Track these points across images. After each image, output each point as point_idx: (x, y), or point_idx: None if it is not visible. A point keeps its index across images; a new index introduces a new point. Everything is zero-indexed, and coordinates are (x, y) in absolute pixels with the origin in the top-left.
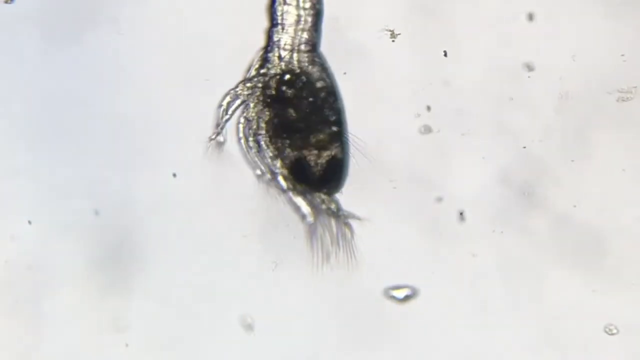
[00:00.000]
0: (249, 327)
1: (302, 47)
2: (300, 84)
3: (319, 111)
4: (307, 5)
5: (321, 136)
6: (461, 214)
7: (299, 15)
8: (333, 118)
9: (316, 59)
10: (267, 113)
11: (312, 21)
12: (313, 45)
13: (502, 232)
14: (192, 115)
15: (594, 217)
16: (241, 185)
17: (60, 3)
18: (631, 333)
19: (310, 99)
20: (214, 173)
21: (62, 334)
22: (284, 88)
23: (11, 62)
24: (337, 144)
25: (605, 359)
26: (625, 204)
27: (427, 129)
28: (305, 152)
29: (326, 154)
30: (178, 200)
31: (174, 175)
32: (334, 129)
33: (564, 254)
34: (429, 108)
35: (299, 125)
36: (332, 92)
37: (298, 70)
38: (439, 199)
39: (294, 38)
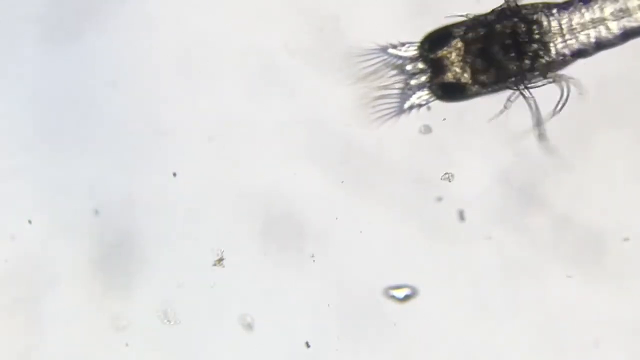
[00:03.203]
0: (248, 327)
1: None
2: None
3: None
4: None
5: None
6: (461, 213)
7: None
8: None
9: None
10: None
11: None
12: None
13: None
14: (192, 115)
15: (594, 217)
16: (241, 185)
17: (60, 3)
18: (631, 333)
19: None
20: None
21: (62, 334)
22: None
23: (11, 62)
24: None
25: (605, 359)
26: (626, 204)
27: (427, 129)
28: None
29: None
30: (178, 200)
31: (174, 175)
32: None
33: (564, 254)
34: (429, 108)
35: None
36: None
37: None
38: (439, 199)
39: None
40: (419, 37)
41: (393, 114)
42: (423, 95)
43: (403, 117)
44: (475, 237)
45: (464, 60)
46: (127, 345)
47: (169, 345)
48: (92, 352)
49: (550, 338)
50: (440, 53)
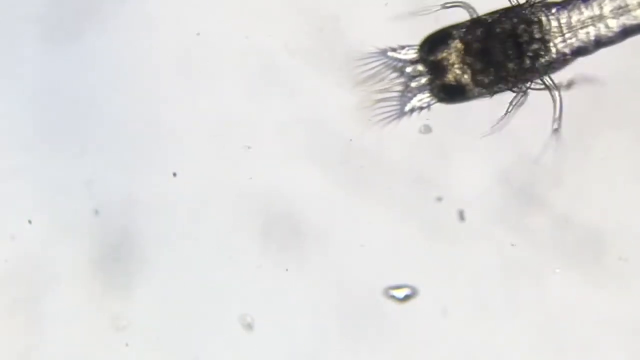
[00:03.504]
0: (248, 327)
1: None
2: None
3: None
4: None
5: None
6: (461, 213)
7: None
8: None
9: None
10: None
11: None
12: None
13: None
14: (192, 115)
15: (594, 217)
16: (241, 185)
17: (60, 3)
18: (631, 333)
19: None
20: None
21: (62, 334)
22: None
23: (11, 62)
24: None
25: (605, 359)
26: (626, 204)
27: (427, 129)
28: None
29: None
30: (178, 200)
31: (174, 175)
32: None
33: (564, 254)
34: (429, 109)
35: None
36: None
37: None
38: (439, 199)
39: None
40: (418, 39)
41: (394, 116)
42: (424, 97)
43: (404, 119)
44: (475, 237)
45: (464, 62)
46: (127, 345)
47: (169, 345)
48: (92, 352)
49: (550, 338)
50: (440, 55)
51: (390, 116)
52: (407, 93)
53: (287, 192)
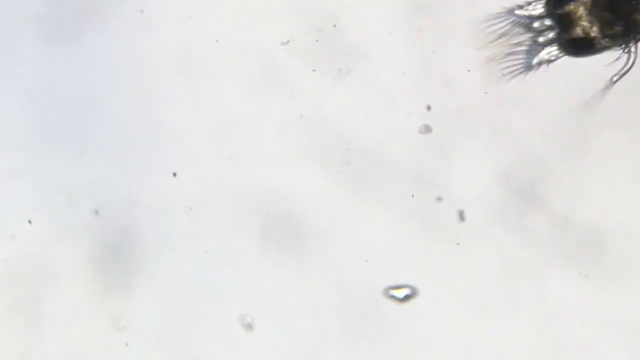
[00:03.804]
0: (248, 327)
1: None
2: None
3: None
4: None
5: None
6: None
7: None
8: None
9: None
10: None
11: None
12: None
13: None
14: (192, 115)
15: (594, 217)
16: (241, 185)
17: (60, 3)
18: (631, 333)
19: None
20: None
21: (62, 334)
22: None
23: (11, 62)
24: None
25: (605, 359)
26: (626, 204)
27: (427, 129)
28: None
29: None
30: (178, 200)
31: (174, 175)
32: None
33: (564, 254)
34: (429, 108)
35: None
36: None
37: None
38: (439, 199)
39: None
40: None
41: (522, 70)
42: (552, 51)
43: (532, 73)
44: (475, 237)
45: (591, 14)
46: (127, 345)
47: (169, 345)
48: (92, 352)
49: (550, 338)
50: (567, 8)
51: (519, 70)
52: (535, 47)
53: (287, 192)
